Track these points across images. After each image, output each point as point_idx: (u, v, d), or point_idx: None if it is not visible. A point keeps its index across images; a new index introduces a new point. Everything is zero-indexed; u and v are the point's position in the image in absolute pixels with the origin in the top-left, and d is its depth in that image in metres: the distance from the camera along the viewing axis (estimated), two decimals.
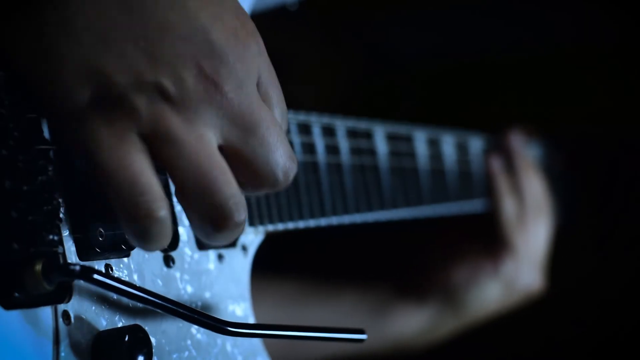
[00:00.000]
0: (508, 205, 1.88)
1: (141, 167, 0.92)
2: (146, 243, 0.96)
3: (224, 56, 0.95)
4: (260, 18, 1.35)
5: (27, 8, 0.93)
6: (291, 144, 1.31)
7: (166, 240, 0.95)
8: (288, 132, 1.30)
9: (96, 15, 0.92)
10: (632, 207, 2.51)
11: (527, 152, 1.99)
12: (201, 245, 1.15)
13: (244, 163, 0.98)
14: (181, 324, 1.08)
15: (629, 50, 2.63)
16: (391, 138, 1.58)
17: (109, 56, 0.91)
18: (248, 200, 1.21)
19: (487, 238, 1.89)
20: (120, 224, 0.95)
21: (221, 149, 0.97)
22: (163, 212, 0.93)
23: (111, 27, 0.92)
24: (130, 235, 0.96)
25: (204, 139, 0.95)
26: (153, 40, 0.93)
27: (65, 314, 0.97)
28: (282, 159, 0.99)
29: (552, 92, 2.71)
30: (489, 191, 1.89)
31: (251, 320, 1.19)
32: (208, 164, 0.94)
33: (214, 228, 0.96)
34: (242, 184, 0.99)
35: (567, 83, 2.70)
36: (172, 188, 1.11)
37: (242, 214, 0.97)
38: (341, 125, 1.44)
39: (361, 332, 1.15)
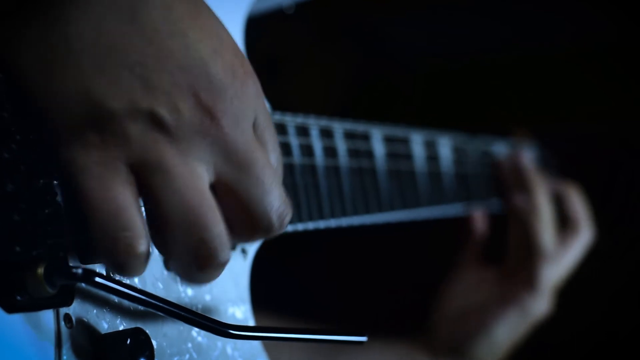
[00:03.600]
0: (547, 239, 1.85)
1: (126, 201, 0.90)
2: (121, 274, 0.96)
3: (222, 90, 0.94)
4: (257, 20, 1.35)
5: (28, 16, 0.92)
6: (289, 146, 1.32)
7: (141, 272, 0.94)
8: (287, 138, 1.30)
9: (95, 38, 0.90)
10: (632, 207, 2.51)
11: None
12: None
13: (237, 203, 0.96)
14: (182, 326, 1.08)
15: (629, 50, 2.64)
16: (388, 140, 1.58)
17: (104, 80, 0.90)
18: None
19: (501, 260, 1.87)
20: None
21: (212, 187, 0.95)
22: (142, 249, 0.91)
23: (109, 51, 0.90)
24: (106, 263, 0.96)
25: (195, 173, 0.93)
26: (150, 67, 0.91)
27: (67, 317, 0.97)
28: (276, 201, 0.97)
29: (552, 92, 2.72)
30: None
31: (251, 322, 1.20)
32: (198, 200, 0.92)
33: (196, 266, 0.94)
34: (234, 228, 0.97)
35: (567, 83, 2.71)
36: None
37: (226, 254, 0.95)
38: (339, 128, 1.44)
39: (360, 333, 1.15)
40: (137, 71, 0.90)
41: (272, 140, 1.00)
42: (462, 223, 1.91)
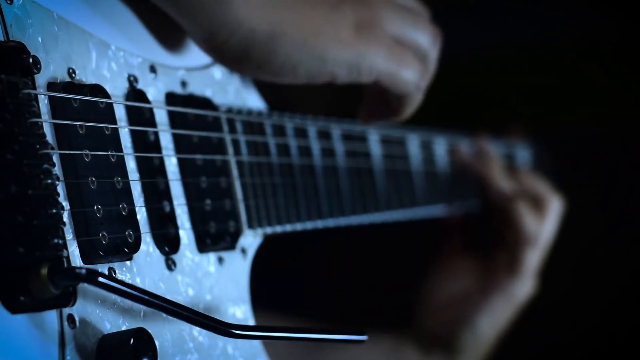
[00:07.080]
0: (530, 225, 1.84)
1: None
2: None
3: None
4: None
5: None
6: (288, 147, 1.33)
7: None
8: (285, 139, 1.32)
9: None
10: (632, 207, 2.52)
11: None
12: (202, 248, 1.15)
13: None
14: (183, 326, 1.08)
15: (629, 50, 2.64)
16: (385, 141, 1.59)
17: None
18: (247, 204, 1.23)
19: (484, 251, 1.87)
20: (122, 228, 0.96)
21: None
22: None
23: None
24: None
25: None
26: None
27: (71, 318, 0.97)
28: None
29: (552, 92, 2.72)
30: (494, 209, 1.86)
31: (251, 322, 1.20)
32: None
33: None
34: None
35: (567, 83, 2.71)
36: (173, 191, 1.13)
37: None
38: (336, 129, 1.45)
39: (361, 332, 1.16)
40: None
41: None
42: (442, 220, 1.90)
